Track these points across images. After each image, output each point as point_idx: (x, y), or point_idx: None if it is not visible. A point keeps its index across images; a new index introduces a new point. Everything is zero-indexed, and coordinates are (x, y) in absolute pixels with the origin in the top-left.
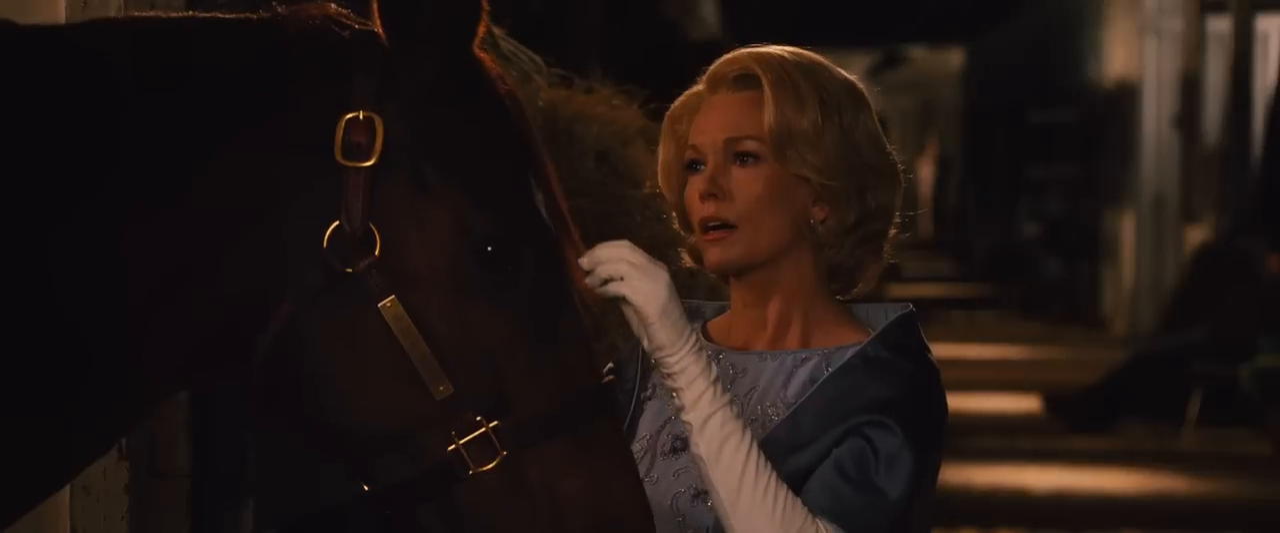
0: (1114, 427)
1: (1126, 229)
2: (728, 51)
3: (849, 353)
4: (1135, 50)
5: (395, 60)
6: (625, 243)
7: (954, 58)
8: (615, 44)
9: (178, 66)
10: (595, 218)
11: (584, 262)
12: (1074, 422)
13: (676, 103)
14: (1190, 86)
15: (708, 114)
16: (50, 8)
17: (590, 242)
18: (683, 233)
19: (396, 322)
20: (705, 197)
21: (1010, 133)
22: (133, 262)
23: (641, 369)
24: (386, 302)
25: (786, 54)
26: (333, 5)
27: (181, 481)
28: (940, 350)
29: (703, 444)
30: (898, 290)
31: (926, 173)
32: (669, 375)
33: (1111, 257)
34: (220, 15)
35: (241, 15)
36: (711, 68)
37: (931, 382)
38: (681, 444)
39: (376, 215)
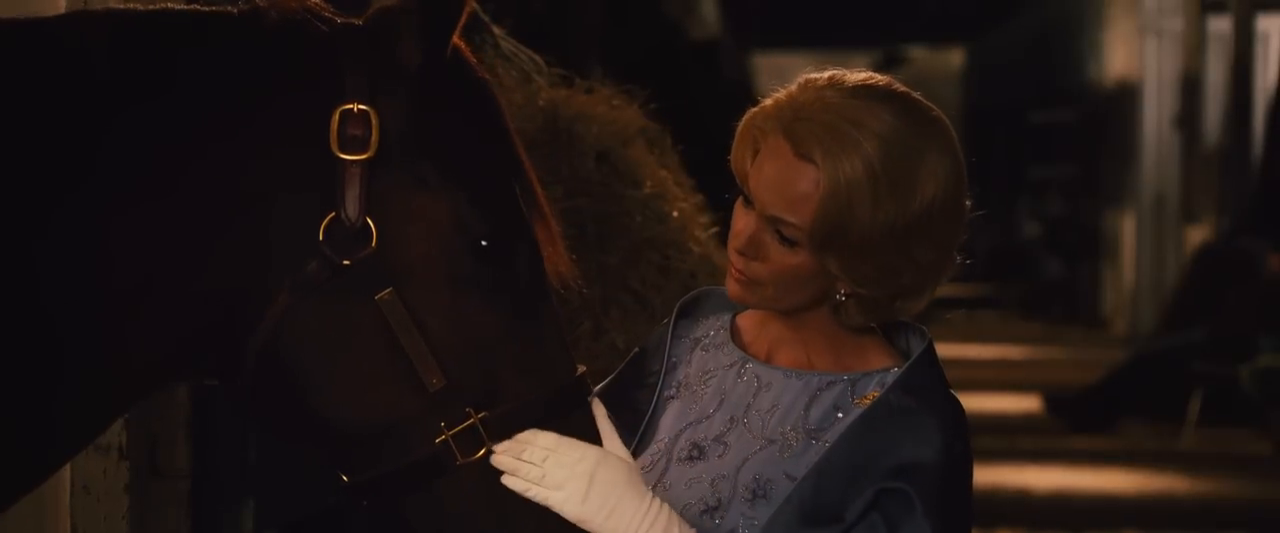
0: (1114, 427)
1: (1127, 229)
2: (727, 53)
3: (873, 381)
4: (1136, 50)
5: (383, 50)
6: (546, 437)
7: (954, 58)
8: (616, 44)
9: (159, 59)
10: (595, 217)
11: (500, 448)
12: (1074, 422)
13: (758, 115)
14: (1191, 86)
15: (768, 162)
16: (52, 9)
17: (591, 241)
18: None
19: (393, 314)
20: (740, 251)
21: (1011, 133)
22: (116, 254)
23: (666, 365)
24: (384, 294)
25: (871, 141)
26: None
27: (182, 480)
28: (940, 350)
29: None
30: None
31: None
32: None
33: (1112, 257)
34: (200, 8)
35: (222, 8)
36: (792, 103)
37: (956, 435)
38: (699, 453)
39: (373, 208)
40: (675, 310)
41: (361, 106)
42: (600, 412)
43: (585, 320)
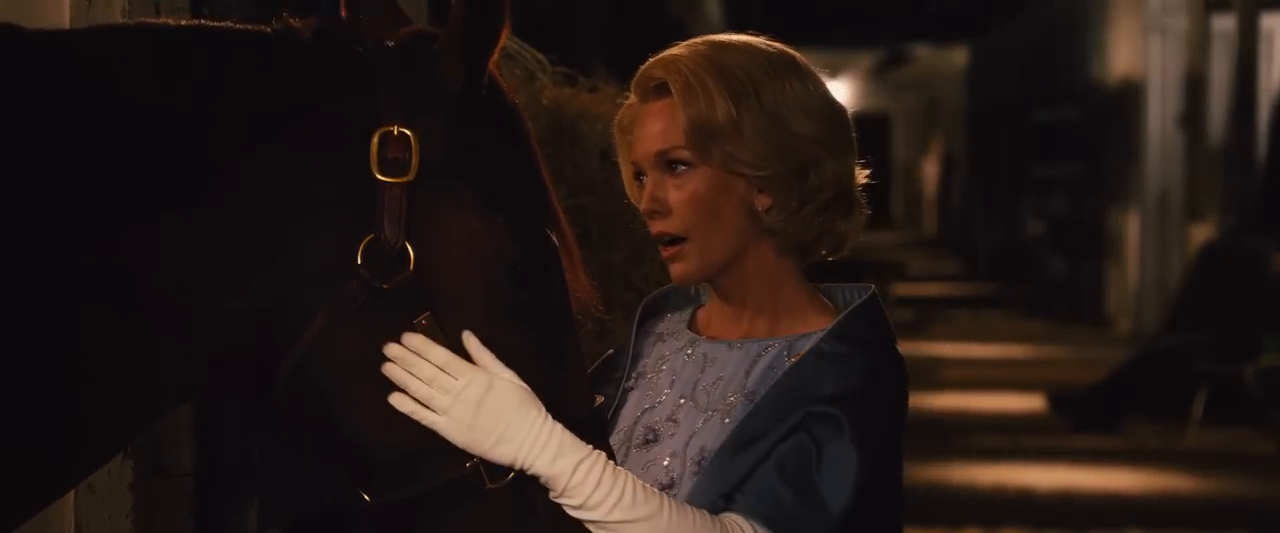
0: (1118, 426)
1: (1131, 228)
2: None
3: (811, 340)
4: (1140, 49)
5: (421, 72)
6: (438, 352)
7: (958, 56)
8: (619, 42)
9: (191, 74)
10: (599, 217)
11: (392, 353)
12: (1078, 421)
13: (619, 114)
14: (1195, 85)
15: (640, 126)
16: (55, 8)
17: (595, 240)
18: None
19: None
20: (649, 216)
21: (1015, 131)
22: (141, 270)
23: (630, 360)
24: (422, 318)
25: (697, 48)
26: (346, 18)
27: (185, 479)
28: (945, 349)
29: (586, 498)
30: (903, 288)
31: (931, 172)
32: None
33: (1116, 256)
34: (233, 25)
35: (255, 26)
36: (635, 77)
37: (885, 372)
38: (654, 436)
39: (412, 232)
40: (639, 309)
41: (402, 129)
42: (474, 343)
43: (589, 320)
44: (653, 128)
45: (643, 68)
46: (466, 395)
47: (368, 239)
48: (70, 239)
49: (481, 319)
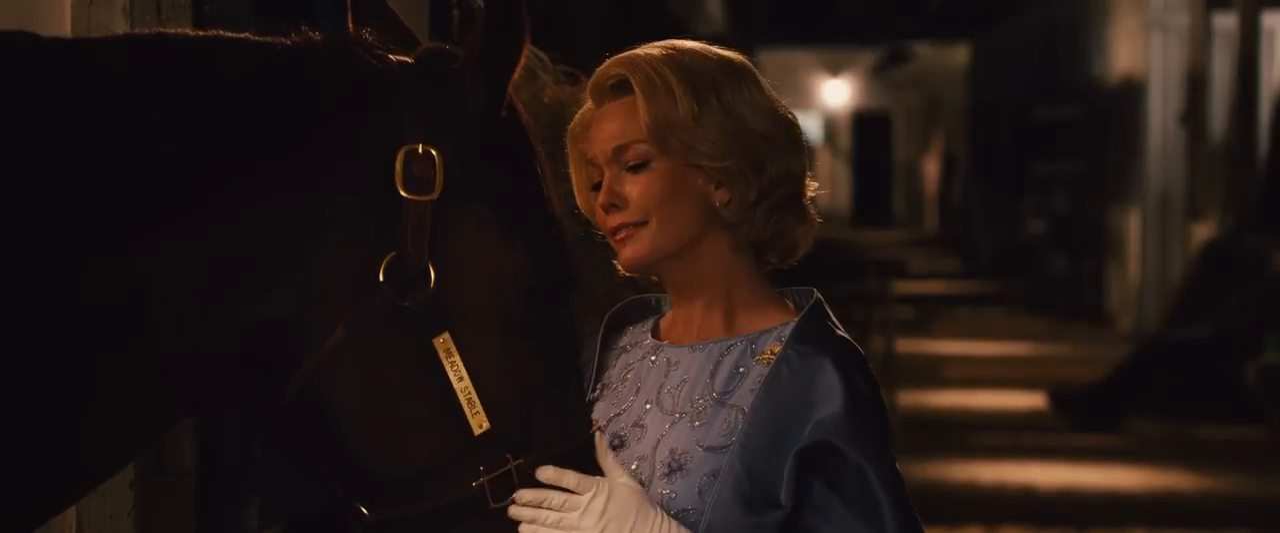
0: (1119, 424)
1: (1132, 226)
2: (733, 49)
3: (771, 336)
4: (1141, 47)
5: (444, 90)
6: (569, 478)
7: (959, 54)
8: (620, 41)
9: (210, 85)
10: None
11: (523, 498)
12: (1079, 419)
13: (573, 122)
14: (1196, 83)
15: (597, 128)
16: (56, 8)
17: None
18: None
19: (448, 357)
20: (607, 209)
21: (1016, 129)
22: (154, 278)
23: (595, 372)
24: (441, 337)
25: (655, 50)
26: (366, 33)
27: (187, 477)
28: (945, 347)
29: None
30: (904, 287)
31: (932, 170)
32: None
33: (1117, 253)
34: (251, 37)
35: (273, 38)
36: (591, 80)
37: (856, 373)
38: (620, 442)
39: (434, 250)
40: (603, 323)
41: (427, 147)
42: (599, 438)
43: (591, 318)
44: (610, 126)
45: (599, 70)
46: (593, 507)
47: (390, 256)
48: (82, 247)
49: (496, 339)
